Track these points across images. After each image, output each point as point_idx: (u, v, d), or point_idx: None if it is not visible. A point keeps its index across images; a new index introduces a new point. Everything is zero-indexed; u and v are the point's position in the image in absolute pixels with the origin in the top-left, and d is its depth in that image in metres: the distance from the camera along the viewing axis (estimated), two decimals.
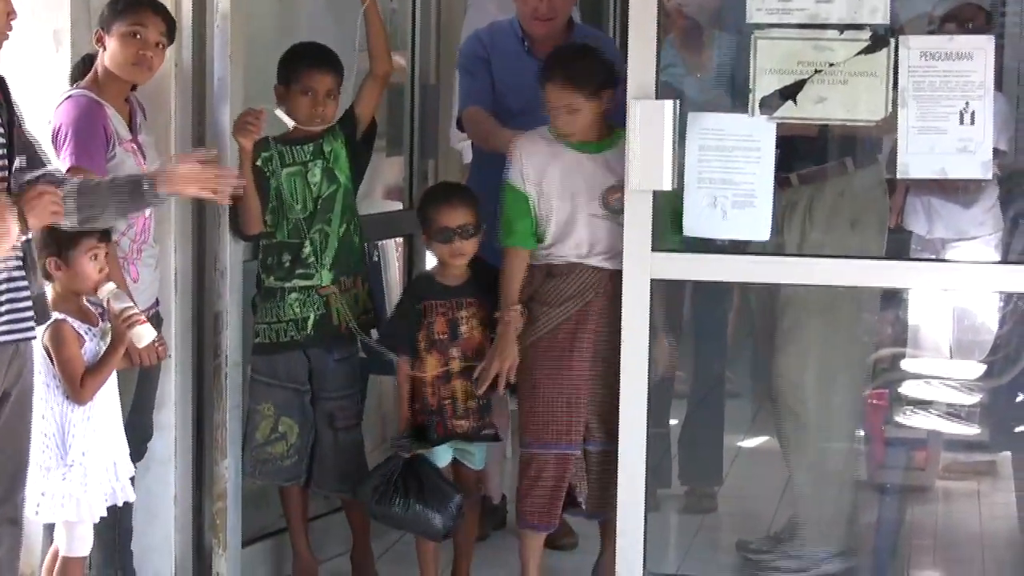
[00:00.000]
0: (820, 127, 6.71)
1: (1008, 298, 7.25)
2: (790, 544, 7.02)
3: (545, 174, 6.37)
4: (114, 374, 6.07)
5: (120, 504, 6.20)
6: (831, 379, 7.13)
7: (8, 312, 5.48)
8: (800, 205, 6.88)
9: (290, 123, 6.54)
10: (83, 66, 6.40)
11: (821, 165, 6.89)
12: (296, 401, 6.71)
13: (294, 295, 6.63)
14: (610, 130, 6.35)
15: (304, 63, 6.67)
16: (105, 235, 5.92)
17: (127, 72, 6.34)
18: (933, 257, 7.07)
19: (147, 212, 6.31)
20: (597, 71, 6.29)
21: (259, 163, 6.59)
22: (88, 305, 6.01)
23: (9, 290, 5.49)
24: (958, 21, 6.64)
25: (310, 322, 6.62)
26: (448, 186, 7.24)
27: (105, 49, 6.30)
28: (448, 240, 6.55)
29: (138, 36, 6.29)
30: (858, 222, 6.94)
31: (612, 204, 6.23)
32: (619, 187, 6.12)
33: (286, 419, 6.66)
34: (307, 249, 6.63)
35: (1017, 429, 7.08)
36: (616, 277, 6.19)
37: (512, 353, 6.40)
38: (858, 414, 7.37)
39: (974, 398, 7.79)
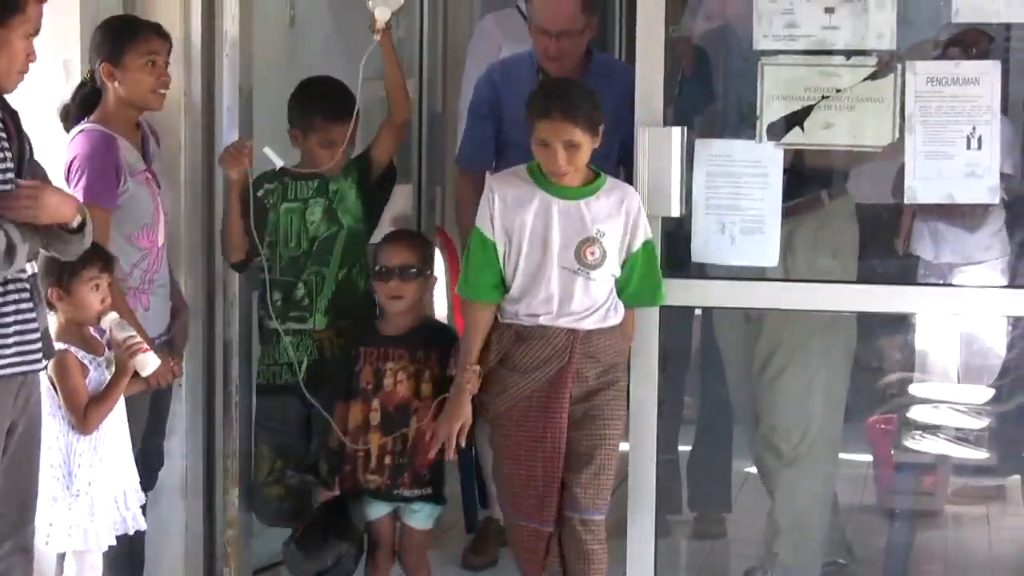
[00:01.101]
0: (795, 161, 6.64)
1: (1016, 322, 7.26)
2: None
3: (516, 217, 5.86)
4: (121, 403, 6.05)
5: (131, 533, 6.16)
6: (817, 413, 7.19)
7: (16, 344, 5.47)
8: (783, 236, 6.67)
9: (278, 162, 6.39)
10: (81, 99, 6.38)
11: (798, 199, 6.80)
12: (293, 445, 6.49)
13: (288, 338, 6.40)
14: (595, 175, 5.94)
15: (322, 113, 6.43)
16: (107, 265, 5.91)
17: (149, 101, 6.35)
18: (940, 282, 7.03)
19: (160, 243, 6.31)
20: (593, 104, 5.84)
21: (260, 194, 6.43)
22: (93, 334, 6.00)
23: (17, 322, 5.49)
24: (963, 46, 6.61)
25: (304, 366, 6.37)
26: (401, 230, 7.05)
27: (116, 81, 6.25)
28: (385, 279, 6.29)
29: (154, 64, 6.29)
30: (836, 251, 7.02)
31: (587, 259, 5.79)
32: (595, 240, 5.77)
33: (280, 462, 6.45)
34: (300, 291, 6.42)
35: None
36: (592, 335, 5.86)
37: (464, 415, 5.95)
38: (837, 443, 7.33)
39: (982, 422, 7.78)
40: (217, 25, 6.86)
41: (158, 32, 6.38)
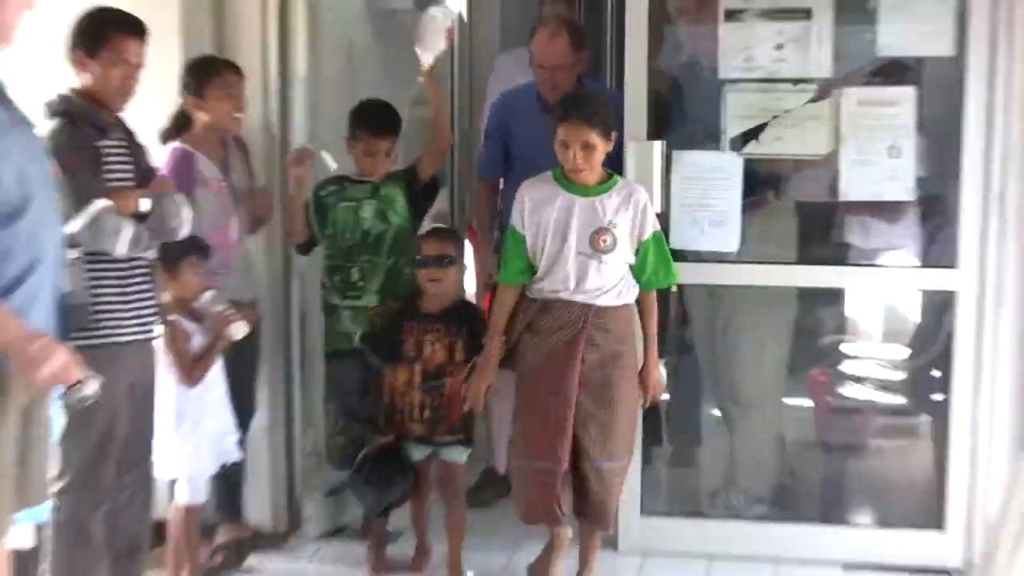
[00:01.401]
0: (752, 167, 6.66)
1: (927, 295, 7.26)
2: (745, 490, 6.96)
3: (542, 213, 5.72)
4: (219, 362, 6.06)
5: (228, 463, 6.17)
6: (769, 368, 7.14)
7: (135, 316, 5.54)
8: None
9: (332, 165, 6.34)
10: (178, 122, 6.33)
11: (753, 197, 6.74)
12: (353, 402, 6.39)
13: (346, 312, 6.36)
14: (608, 176, 5.77)
15: (366, 128, 6.36)
16: (204, 254, 5.95)
17: (228, 124, 6.34)
18: (868, 263, 6.95)
19: (232, 239, 6.32)
20: (608, 113, 5.73)
21: (323, 194, 6.40)
22: (196, 307, 5.98)
23: (139, 299, 5.56)
24: (885, 75, 6.61)
25: (357, 336, 6.31)
26: (439, 227, 6.73)
27: (201, 110, 6.23)
28: (424, 265, 6.14)
29: (231, 94, 6.31)
30: (781, 239, 6.96)
31: (599, 246, 5.62)
32: (607, 229, 5.63)
33: (343, 417, 6.42)
34: (356, 275, 6.35)
35: (933, 398, 6.98)
36: (604, 310, 5.70)
37: (489, 376, 5.86)
38: (782, 392, 7.28)
39: (899, 374, 7.83)
40: (290, 63, 6.85)
41: (233, 69, 6.39)
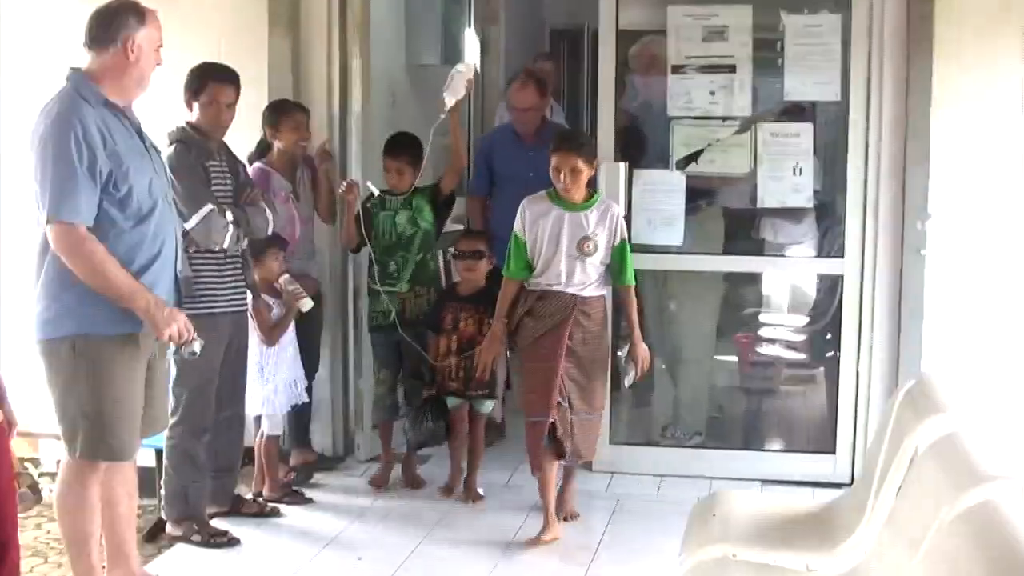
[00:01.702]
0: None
1: (821, 277, 7.22)
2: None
3: (539, 224, 5.65)
4: (292, 327, 6.09)
5: (300, 403, 6.18)
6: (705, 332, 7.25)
7: (233, 292, 5.60)
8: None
9: (375, 190, 6.31)
10: (261, 148, 6.35)
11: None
12: (390, 357, 6.41)
13: (385, 296, 6.26)
14: (591, 195, 5.70)
15: (390, 153, 6.29)
16: (283, 246, 5.98)
17: (296, 150, 6.31)
18: (778, 254, 7.01)
19: (296, 237, 6.29)
20: (592, 145, 5.83)
21: (368, 206, 6.30)
22: (275, 286, 6.01)
23: (234, 279, 5.61)
24: (790, 113, 6.62)
25: (393, 314, 6.23)
26: (472, 228, 6.87)
27: (276, 140, 6.24)
28: (461, 258, 6.24)
29: (300, 128, 6.27)
30: (713, 236, 6.98)
31: (584, 249, 5.57)
32: (590, 238, 5.57)
33: (384, 370, 6.42)
34: (392, 267, 6.30)
35: (826, 354, 7.03)
36: (585, 300, 5.63)
37: (495, 350, 5.87)
38: (713, 350, 7.45)
39: (801, 336, 7.76)
40: (348, 104, 6.80)
41: (301, 108, 6.36)
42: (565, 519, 5.87)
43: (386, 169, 6.29)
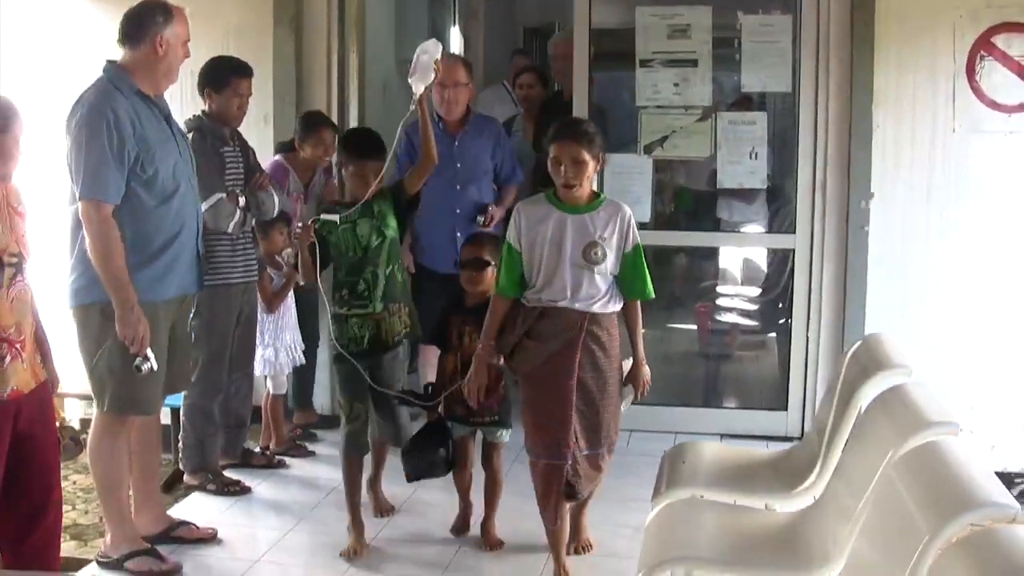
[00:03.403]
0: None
1: (772, 252, 7.32)
2: None
3: (538, 230, 4.51)
4: (291, 297, 6.13)
5: (298, 364, 6.22)
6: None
7: (244, 264, 5.61)
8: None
9: (336, 218, 4.97)
10: (288, 144, 6.30)
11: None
12: (361, 390, 5.03)
13: (354, 319, 5.00)
14: (595, 196, 4.60)
15: (362, 156, 5.01)
16: (288, 223, 5.91)
17: (318, 162, 6.24)
18: (734, 230, 7.12)
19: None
20: (598, 136, 4.50)
21: (318, 227, 4.97)
22: (277, 259, 6.02)
23: (245, 254, 5.63)
24: (746, 104, 6.72)
25: (366, 339, 4.99)
26: (476, 233, 5.54)
27: (302, 149, 6.17)
28: (464, 268, 4.99)
29: (325, 145, 6.15)
30: (677, 213, 7.11)
31: (591, 257, 4.45)
32: (597, 243, 4.46)
33: (357, 404, 5.06)
34: (361, 286, 4.98)
35: (778, 321, 7.14)
36: (594, 318, 4.50)
37: (480, 379, 4.72)
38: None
39: (754, 306, 7.86)
40: (347, 95, 6.84)
41: (331, 126, 6.27)
42: (578, 551, 4.97)
43: (354, 174, 5.06)
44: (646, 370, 4.71)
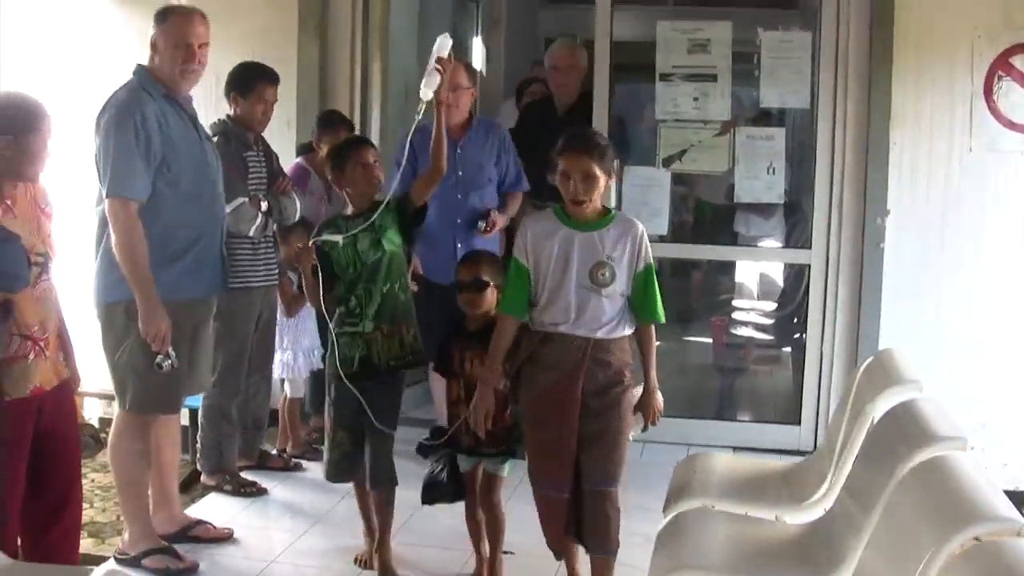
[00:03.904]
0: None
1: (789, 266, 7.33)
2: None
3: (544, 245, 4.18)
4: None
5: (316, 369, 6.13)
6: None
7: (265, 267, 5.61)
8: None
9: (338, 239, 4.58)
10: (307, 146, 6.32)
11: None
12: (347, 417, 4.70)
13: (343, 339, 4.64)
14: (606, 212, 4.25)
15: (350, 149, 4.70)
16: (308, 231, 5.64)
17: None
18: (751, 244, 7.16)
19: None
20: (609, 149, 4.16)
21: (320, 243, 4.60)
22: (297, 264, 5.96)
23: (267, 258, 5.62)
24: (765, 119, 6.78)
25: (355, 360, 4.62)
26: (474, 251, 5.06)
27: (320, 149, 6.03)
28: (461, 290, 4.57)
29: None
30: (694, 226, 7.20)
31: (597, 279, 4.11)
32: (605, 263, 4.12)
33: (340, 432, 4.74)
34: (352, 303, 4.63)
35: (793, 336, 7.17)
36: (600, 344, 4.16)
37: (487, 404, 4.30)
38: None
39: (770, 320, 7.88)
40: (369, 101, 6.91)
41: (347, 124, 6.24)
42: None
43: (355, 168, 4.67)
44: (658, 397, 4.32)
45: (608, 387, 4.20)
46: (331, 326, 4.73)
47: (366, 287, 4.64)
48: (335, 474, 4.87)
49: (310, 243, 4.66)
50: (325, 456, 4.86)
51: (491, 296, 4.55)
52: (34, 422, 3.95)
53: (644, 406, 4.30)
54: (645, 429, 4.36)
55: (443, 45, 4.64)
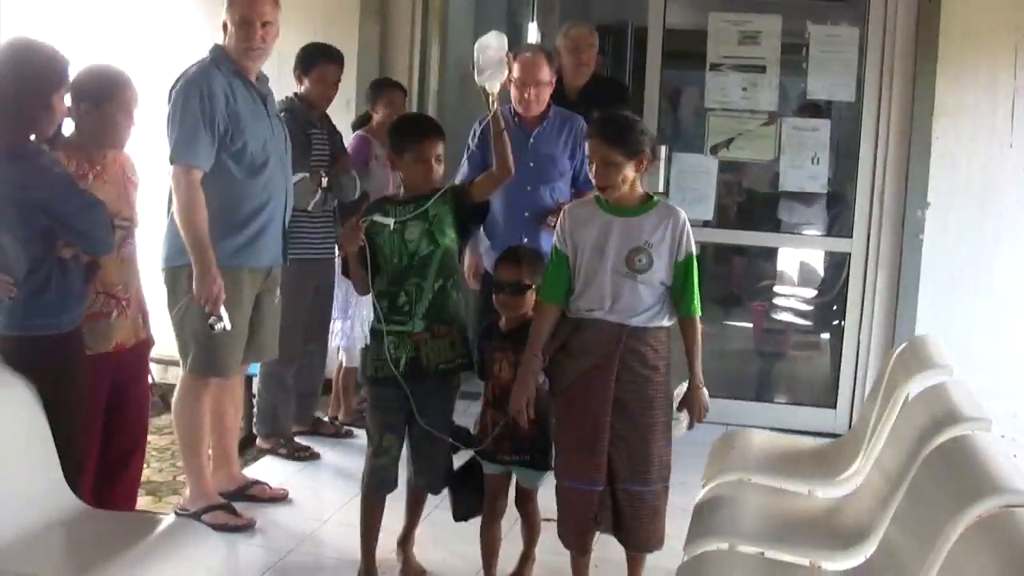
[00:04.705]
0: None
1: (829, 255, 7.47)
2: None
3: (583, 232, 4.04)
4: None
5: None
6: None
7: (323, 240, 5.72)
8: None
9: (390, 222, 4.25)
10: (363, 118, 6.39)
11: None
12: (395, 421, 4.39)
13: (391, 338, 4.28)
14: (648, 198, 4.08)
15: (413, 135, 4.33)
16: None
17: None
18: (794, 232, 7.27)
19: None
20: (636, 135, 3.98)
21: (368, 227, 4.30)
22: None
23: (325, 232, 5.74)
24: (811, 110, 6.86)
25: (403, 362, 4.27)
26: (515, 248, 4.62)
27: (376, 113, 6.24)
28: (499, 291, 4.32)
29: (395, 104, 6.22)
30: (739, 213, 7.25)
31: (634, 264, 3.95)
32: (643, 248, 3.96)
33: (388, 436, 4.39)
34: (402, 299, 4.28)
35: (832, 322, 7.26)
36: (635, 333, 3.99)
37: (528, 391, 4.07)
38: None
39: (810, 307, 7.98)
40: (428, 84, 7.07)
41: (399, 88, 6.38)
42: None
43: (412, 160, 4.32)
44: (704, 394, 4.14)
45: (642, 381, 4.04)
46: (369, 322, 4.50)
47: (417, 283, 4.30)
48: (381, 484, 4.45)
49: (360, 221, 4.32)
50: (367, 465, 4.46)
51: (530, 298, 4.29)
52: (112, 377, 4.15)
53: (689, 403, 4.14)
54: (691, 427, 4.21)
55: (500, 40, 4.33)
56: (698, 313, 4.09)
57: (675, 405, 4.15)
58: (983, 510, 2.83)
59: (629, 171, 4.00)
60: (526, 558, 4.53)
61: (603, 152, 3.99)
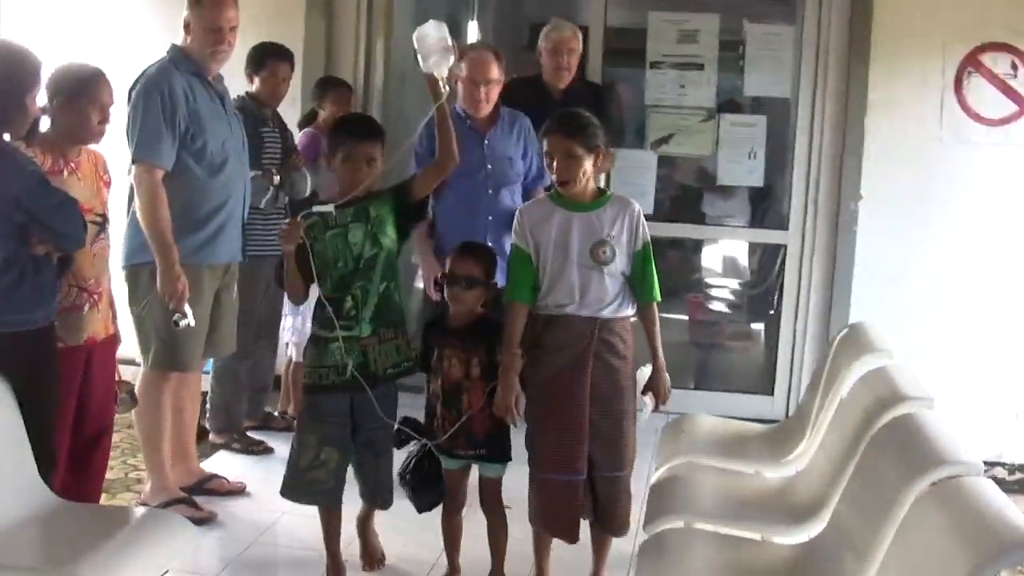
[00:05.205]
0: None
1: (753, 246, 7.75)
2: None
3: (542, 230, 4.12)
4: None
5: None
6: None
7: (272, 239, 5.45)
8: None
9: (331, 209, 4.17)
10: (310, 115, 6.46)
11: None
12: (338, 433, 4.29)
13: (335, 344, 4.18)
14: (601, 193, 4.20)
15: (350, 135, 4.27)
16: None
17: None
18: (733, 225, 7.44)
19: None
20: (595, 130, 4.10)
21: (308, 231, 4.18)
22: None
23: (276, 226, 5.37)
24: (747, 106, 7.07)
25: (349, 369, 4.18)
26: (470, 243, 4.52)
27: (323, 110, 6.35)
28: (451, 284, 4.28)
29: (342, 102, 6.33)
30: (680, 207, 7.34)
31: (599, 257, 4.07)
32: (606, 241, 4.08)
33: (328, 449, 4.27)
34: (348, 303, 4.19)
35: (768, 312, 7.37)
36: (606, 324, 4.12)
37: (514, 389, 4.13)
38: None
39: (741, 298, 8.19)
40: (372, 80, 7.10)
41: (345, 86, 6.49)
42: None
43: (344, 159, 4.26)
44: (667, 377, 4.25)
45: (614, 371, 4.15)
46: (315, 327, 4.36)
47: (363, 285, 4.23)
48: (315, 496, 4.40)
49: (299, 217, 4.22)
50: (299, 477, 4.36)
51: (478, 295, 4.31)
52: (82, 370, 4.20)
53: (654, 386, 4.24)
54: (656, 409, 4.30)
55: (439, 28, 4.25)
56: (658, 299, 4.23)
57: (639, 390, 4.27)
58: (931, 480, 2.98)
59: (588, 165, 4.12)
60: (498, 564, 4.45)
61: (566, 146, 4.08)
